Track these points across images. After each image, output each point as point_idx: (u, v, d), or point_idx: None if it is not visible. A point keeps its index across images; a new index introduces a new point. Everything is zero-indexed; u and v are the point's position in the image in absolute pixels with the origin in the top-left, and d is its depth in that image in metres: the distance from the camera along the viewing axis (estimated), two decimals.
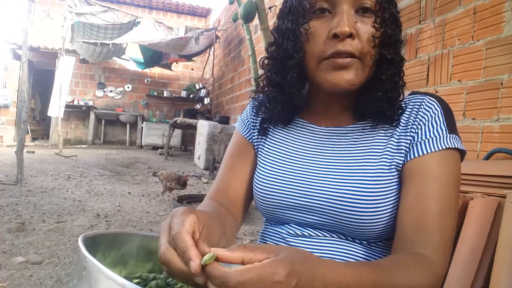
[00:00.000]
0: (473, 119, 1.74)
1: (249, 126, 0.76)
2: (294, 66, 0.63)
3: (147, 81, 9.58)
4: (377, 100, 0.62)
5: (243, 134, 0.77)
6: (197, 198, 3.53)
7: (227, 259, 0.37)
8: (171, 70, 8.80)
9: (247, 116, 0.78)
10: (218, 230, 0.44)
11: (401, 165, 0.60)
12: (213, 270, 0.36)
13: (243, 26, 3.68)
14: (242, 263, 0.37)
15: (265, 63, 0.70)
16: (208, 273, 0.36)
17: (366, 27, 0.58)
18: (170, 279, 0.54)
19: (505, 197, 1.04)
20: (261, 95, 0.74)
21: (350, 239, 0.62)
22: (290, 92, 0.66)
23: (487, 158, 1.55)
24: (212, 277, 0.36)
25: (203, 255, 0.37)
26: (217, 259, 0.37)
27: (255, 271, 0.35)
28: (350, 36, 0.57)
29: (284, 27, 0.64)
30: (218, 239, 0.43)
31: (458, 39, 1.84)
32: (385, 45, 0.60)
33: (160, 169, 5.47)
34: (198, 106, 9.47)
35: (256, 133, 0.75)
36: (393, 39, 0.60)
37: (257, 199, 0.70)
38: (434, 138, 0.59)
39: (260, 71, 0.72)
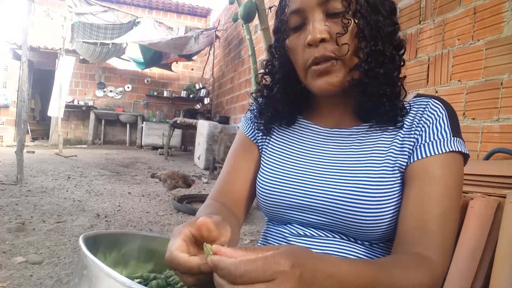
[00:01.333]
0: (473, 119, 1.74)
1: (253, 127, 0.77)
2: (280, 80, 0.69)
3: (147, 81, 9.58)
4: (370, 96, 0.61)
5: (247, 134, 0.77)
6: (197, 198, 3.53)
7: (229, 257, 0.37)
8: (171, 70, 8.80)
9: (251, 116, 0.79)
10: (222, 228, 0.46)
11: (404, 167, 0.60)
12: (219, 262, 0.36)
13: (243, 26, 3.68)
14: None
15: (264, 78, 0.74)
16: (214, 264, 0.36)
17: (337, 27, 0.59)
18: (170, 278, 0.54)
19: (505, 197, 1.04)
20: (259, 102, 0.78)
21: (352, 239, 0.62)
22: (275, 106, 0.70)
23: (487, 158, 1.55)
24: (218, 268, 0.36)
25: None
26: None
27: (261, 261, 0.35)
28: (324, 40, 0.59)
29: (274, 45, 0.70)
30: (224, 237, 0.44)
31: (458, 39, 1.84)
32: (361, 39, 0.59)
33: (160, 169, 5.47)
34: (198, 106, 9.48)
35: (261, 134, 0.76)
36: (371, 30, 0.59)
37: (261, 198, 0.70)
38: (438, 140, 0.59)
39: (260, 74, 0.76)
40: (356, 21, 0.58)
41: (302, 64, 0.63)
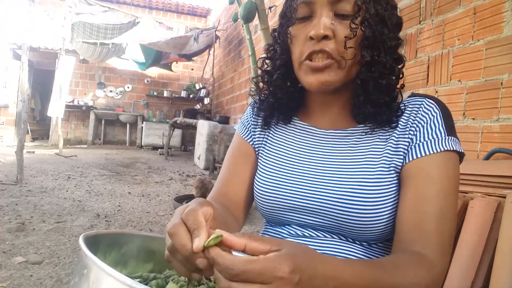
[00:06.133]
0: (473, 119, 1.74)
1: (249, 128, 0.77)
2: (281, 67, 0.68)
3: (147, 81, 9.57)
4: (364, 104, 0.62)
5: (243, 137, 0.77)
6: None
7: (230, 243, 0.38)
8: (171, 70, 8.79)
9: (247, 118, 0.78)
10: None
11: (400, 167, 0.60)
12: (218, 257, 0.36)
13: (243, 26, 3.68)
14: (244, 251, 0.38)
15: (265, 62, 0.73)
16: (213, 259, 0.37)
17: (342, 29, 0.59)
18: (170, 278, 0.54)
19: (505, 197, 1.04)
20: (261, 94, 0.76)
21: (350, 240, 0.63)
22: (275, 92, 0.70)
23: (487, 158, 1.55)
24: (217, 264, 0.36)
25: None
26: (221, 243, 0.38)
27: (260, 264, 0.35)
28: (326, 37, 0.58)
29: (278, 30, 0.69)
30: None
31: (458, 39, 1.84)
32: (364, 46, 0.59)
33: (160, 169, 5.48)
34: (198, 106, 9.47)
35: (257, 135, 0.75)
36: (375, 40, 0.59)
37: (258, 200, 0.70)
38: (432, 140, 0.59)
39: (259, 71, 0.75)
40: (363, 28, 0.59)
41: (298, 55, 0.63)
